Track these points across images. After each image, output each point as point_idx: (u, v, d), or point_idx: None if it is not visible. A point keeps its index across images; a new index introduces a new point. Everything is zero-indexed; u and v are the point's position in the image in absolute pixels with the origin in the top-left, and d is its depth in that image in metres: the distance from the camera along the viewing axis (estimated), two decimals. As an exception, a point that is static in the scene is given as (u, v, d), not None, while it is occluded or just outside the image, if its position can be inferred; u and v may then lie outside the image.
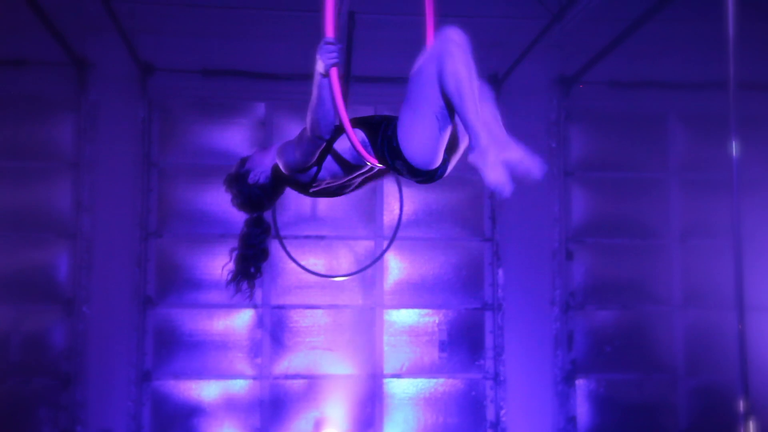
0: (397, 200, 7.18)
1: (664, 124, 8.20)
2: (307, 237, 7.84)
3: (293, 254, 7.18)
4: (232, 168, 3.51)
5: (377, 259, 6.56)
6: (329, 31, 3.03)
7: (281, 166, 3.28)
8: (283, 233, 7.77)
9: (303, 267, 6.66)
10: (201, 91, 7.74)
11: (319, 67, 3.05)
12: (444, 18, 7.83)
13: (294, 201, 7.93)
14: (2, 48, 5.79)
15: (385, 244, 7.55)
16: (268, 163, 3.39)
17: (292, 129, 8.06)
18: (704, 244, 7.94)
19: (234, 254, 3.53)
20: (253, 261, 3.46)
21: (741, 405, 4.38)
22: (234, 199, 3.46)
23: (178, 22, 7.63)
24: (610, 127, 8.10)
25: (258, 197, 3.39)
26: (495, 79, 7.86)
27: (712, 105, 6.55)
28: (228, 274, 3.44)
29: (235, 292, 3.40)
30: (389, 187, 7.77)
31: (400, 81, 6.45)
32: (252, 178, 3.38)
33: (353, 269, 7.70)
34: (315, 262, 7.83)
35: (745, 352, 4.38)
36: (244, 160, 3.46)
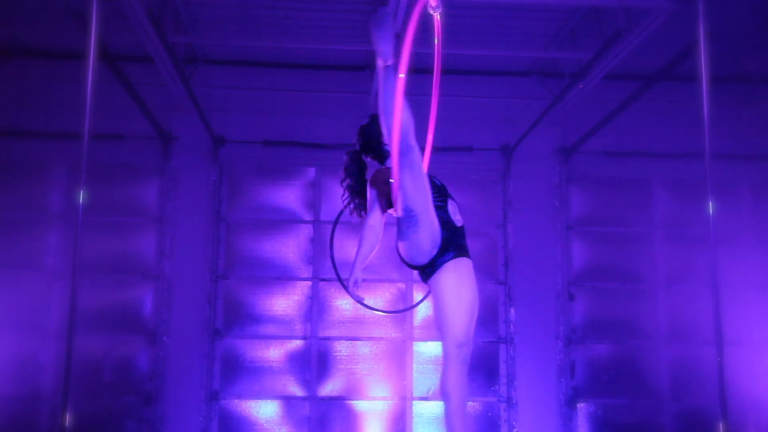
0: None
1: (648, 187, 8.28)
2: (350, 279, 7.80)
3: (341, 293, 7.11)
4: None
5: (420, 301, 6.44)
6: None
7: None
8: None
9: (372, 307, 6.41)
10: (262, 158, 7.95)
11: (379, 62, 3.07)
12: (464, 98, 7.97)
13: (339, 251, 7.92)
14: (104, 125, 5.93)
15: (414, 286, 7.48)
16: None
17: (338, 190, 8.09)
18: (684, 288, 7.84)
19: None
20: None
21: (720, 427, 4.29)
22: None
23: (244, 102, 7.93)
24: (604, 189, 8.15)
25: None
26: (507, 149, 7.96)
27: (689, 171, 6.56)
28: None
29: None
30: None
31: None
32: None
33: (389, 306, 7.66)
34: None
35: (724, 381, 4.31)
36: None
